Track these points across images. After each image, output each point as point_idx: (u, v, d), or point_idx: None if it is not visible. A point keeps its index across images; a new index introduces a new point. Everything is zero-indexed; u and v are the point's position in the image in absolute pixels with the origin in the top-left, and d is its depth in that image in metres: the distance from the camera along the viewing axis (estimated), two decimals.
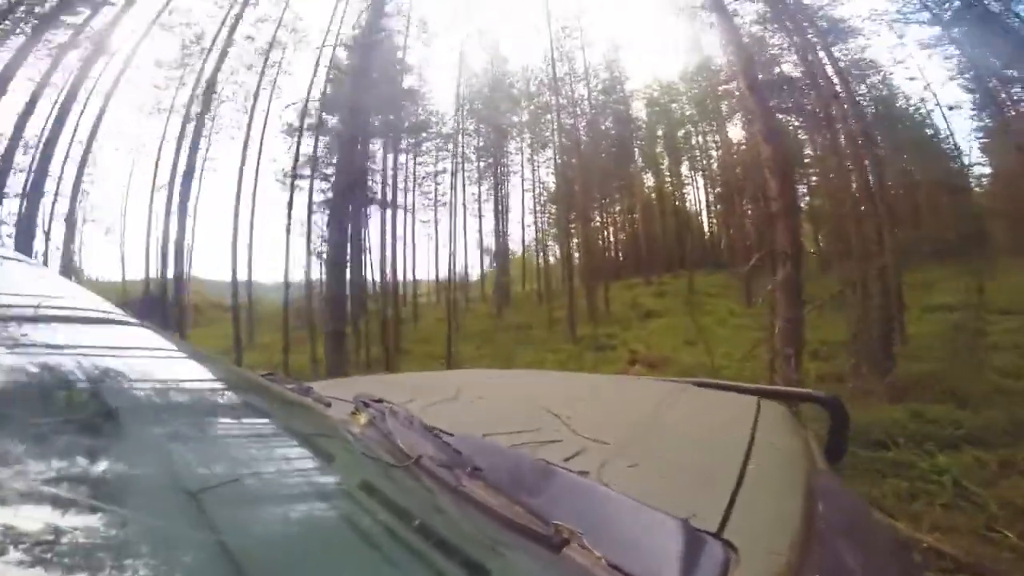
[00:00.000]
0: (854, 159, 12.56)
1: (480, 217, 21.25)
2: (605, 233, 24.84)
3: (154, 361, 0.74)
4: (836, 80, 13.30)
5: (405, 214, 20.07)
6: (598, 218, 23.52)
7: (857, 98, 14.93)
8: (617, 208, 24.03)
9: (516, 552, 0.55)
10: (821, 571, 0.56)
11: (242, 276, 14.73)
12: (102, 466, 0.41)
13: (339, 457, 0.69)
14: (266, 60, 16.53)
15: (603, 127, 21.75)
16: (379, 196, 19.28)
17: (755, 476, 0.76)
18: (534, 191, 20.56)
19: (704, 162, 22.75)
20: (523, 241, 21.56)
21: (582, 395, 1.42)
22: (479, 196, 21.27)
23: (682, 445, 0.95)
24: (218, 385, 0.76)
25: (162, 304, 14.57)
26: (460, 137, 20.84)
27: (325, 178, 18.11)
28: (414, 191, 21.13)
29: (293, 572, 0.39)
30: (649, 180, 24.16)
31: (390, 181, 19.50)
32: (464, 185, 20.94)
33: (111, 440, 0.46)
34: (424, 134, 20.92)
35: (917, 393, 5.46)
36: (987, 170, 16.14)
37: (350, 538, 0.47)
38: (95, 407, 0.50)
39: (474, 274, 22.12)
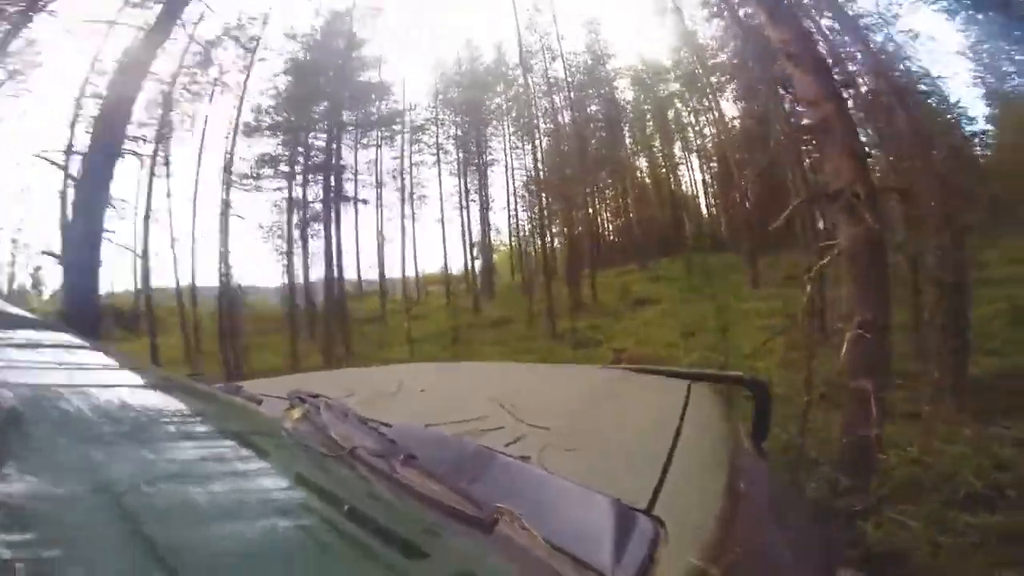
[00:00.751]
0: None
1: (462, 208, 20.68)
2: (596, 219, 24.06)
3: (71, 366, 0.72)
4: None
5: (381, 209, 19.67)
6: (588, 204, 22.72)
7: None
8: (609, 193, 23.49)
9: (451, 533, 0.57)
10: (743, 544, 0.61)
11: (210, 282, 14.20)
12: (15, 472, 0.41)
13: (271, 452, 0.67)
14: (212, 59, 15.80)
15: (589, 108, 21.33)
16: (350, 193, 18.76)
17: (683, 456, 0.81)
18: (513, 180, 20.21)
19: (698, 140, 22.00)
20: (509, 231, 20.90)
21: (526, 384, 1.45)
22: (460, 188, 20.79)
23: (618, 429, 1.02)
24: (140, 386, 0.75)
25: (118, 314, 14.16)
26: (436, 127, 20.37)
27: (288, 176, 17.51)
28: (403, 188, 20.66)
29: (228, 568, 0.40)
30: (642, 163, 23.44)
31: (366, 177, 19.29)
32: (439, 177, 20.57)
33: (22, 446, 0.45)
34: (396, 126, 20.42)
35: (1005, 401, 3.65)
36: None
37: (285, 530, 0.48)
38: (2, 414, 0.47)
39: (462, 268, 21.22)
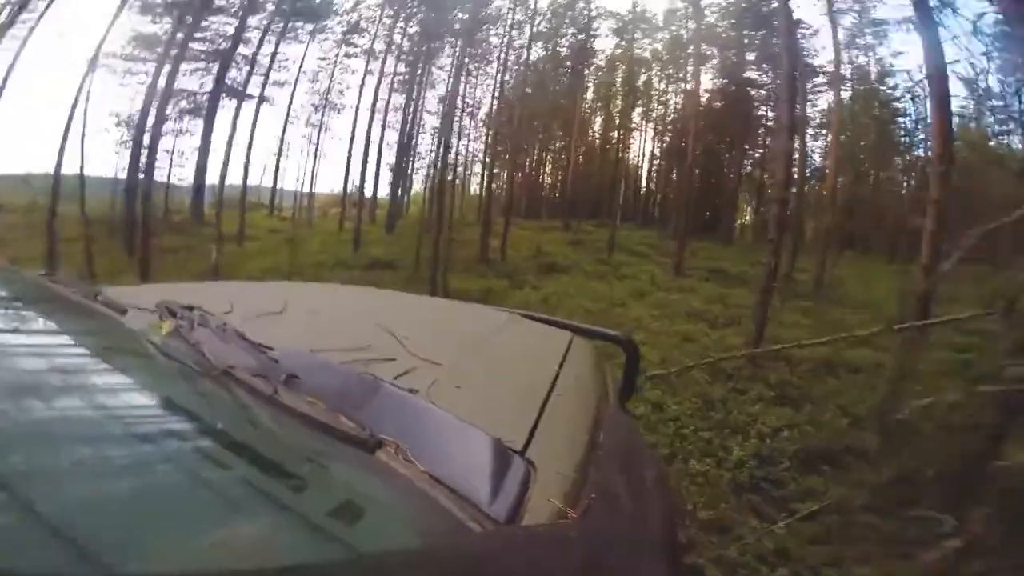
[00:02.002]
0: None
1: (385, 128, 18.48)
2: (537, 170, 23.36)
3: None
4: None
5: (290, 113, 17.61)
6: (532, 151, 22.01)
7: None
8: (557, 145, 22.37)
9: (331, 458, 0.56)
10: (596, 490, 0.64)
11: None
12: None
13: (135, 369, 0.64)
14: None
15: (559, 49, 19.54)
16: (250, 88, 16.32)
17: (557, 403, 0.87)
18: (456, 108, 17.32)
19: (660, 109, 21.19)
20: (432, 162, 18.66)
21: (419, 317, 1.47)
22: (385, 103, 18.20)
23: (504, 371, 1.05)
24: None
25: None
26: (376, 29, 17.77)
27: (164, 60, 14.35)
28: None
29: (88, 503, 0.36)
30: (596, 121, 22.56)
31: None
32: (362, 85, 17.79)
33: None
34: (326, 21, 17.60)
35: None
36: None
37: (150, 458, 0.44)
38: None
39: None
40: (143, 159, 12.76)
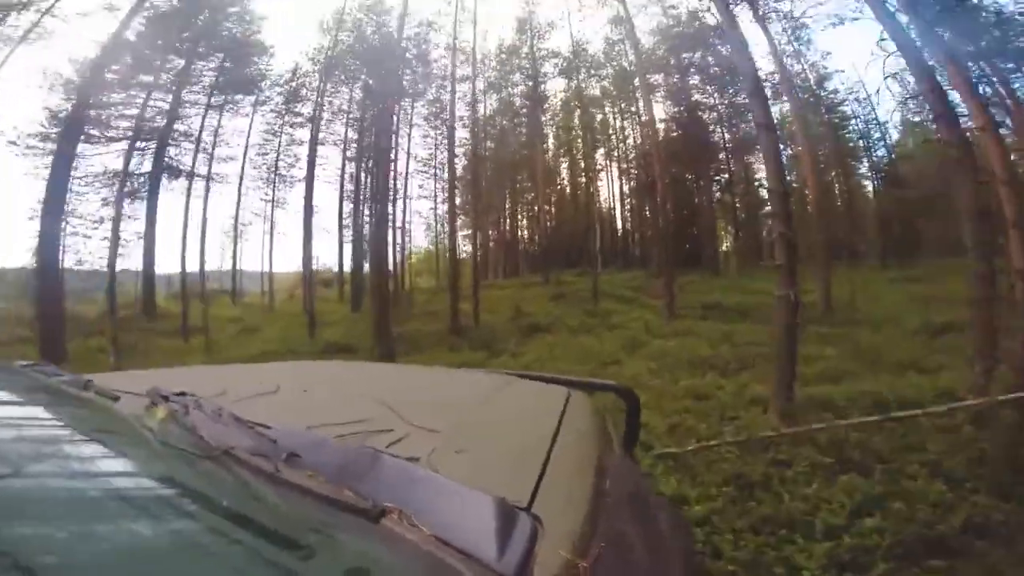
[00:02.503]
0: None
1: (342, 200, 18.16)
2: (511, 224, 22.91)
3: None
4: None
5: (241, 190, 17.20)
6: (503, 206, 21.82)
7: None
8: (528, 196, 21.95)
9: (337, 528, 0.58)
10: (606, 539, 0.66)
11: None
12: None
13: (133, 453, 0.64)
14: None
15: (512, 99, 19.74)
16: (186, 166, 15.82)
17: (559, 458, 0.87)
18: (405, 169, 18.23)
19: (621, 146, 21.20)
20: (401, 232, 18.47)
21: (414, 386, 1.52)
22: (343, 173, 18.25)
23: (503, 432, 1.07)
24: None
25: None
26: (319, 98, 17.38)
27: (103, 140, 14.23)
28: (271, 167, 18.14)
29: (93, 570, 0.37)
30: (562, 167, 22.43)
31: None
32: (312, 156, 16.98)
33: None
34: (269, 92, 17.57)
35: None
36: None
37: (154, 535, 0.45)
38: None
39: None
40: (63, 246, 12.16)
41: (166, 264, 15.58)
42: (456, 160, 17.35)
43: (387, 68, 14.57)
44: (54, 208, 11.61)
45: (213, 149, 16.31)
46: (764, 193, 16.10)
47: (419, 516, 0.60)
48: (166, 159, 15.17)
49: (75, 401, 0.86)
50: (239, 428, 0.79)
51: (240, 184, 17.18)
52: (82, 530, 0.41)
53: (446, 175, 18.50)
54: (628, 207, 21.63)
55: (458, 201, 19.26)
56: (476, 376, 1.71)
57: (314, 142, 16.45)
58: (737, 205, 20.10)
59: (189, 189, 15.42)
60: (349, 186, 17.71)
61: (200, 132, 15.67)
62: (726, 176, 19.24)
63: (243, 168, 16.93)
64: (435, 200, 19.32)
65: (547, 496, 0.72)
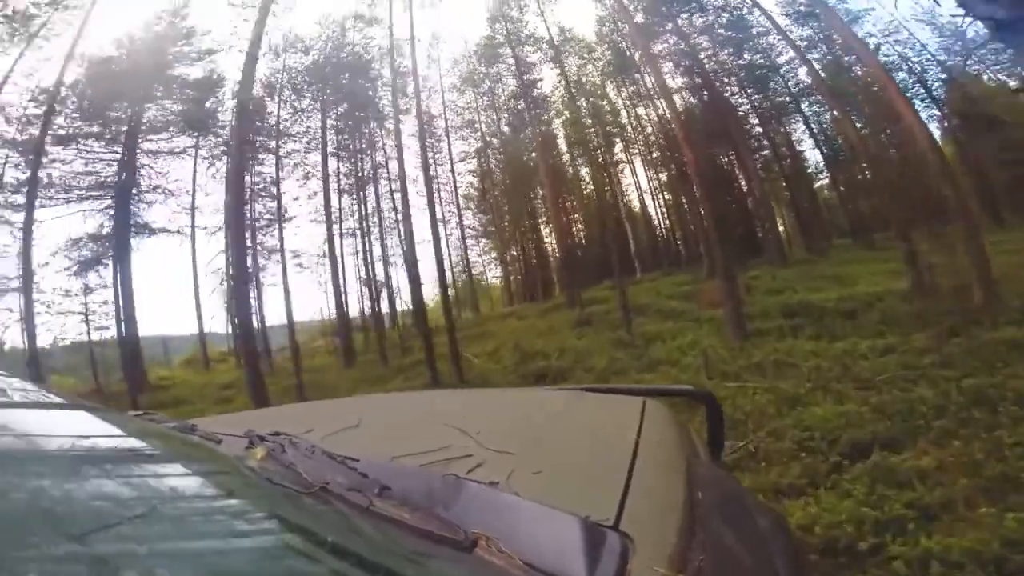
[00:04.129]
0: None
1: (341, 237, 15.64)
2: (522, 243, 19.55)
3: (19, 406, 0.75)
4: None
5: (228, 241, 14.72)
6: (520, 222, 18.75)
7: None
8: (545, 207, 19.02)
9: (433, 559, 0.61)
10: (705, 551, 0.64)
11: None
12: None
13: (241, 491, 0.66)
14: None
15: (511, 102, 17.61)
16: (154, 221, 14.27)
17: (643, 470, 0.87)
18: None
19: (639, 137, 18.22)
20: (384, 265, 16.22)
21: (485, 410, 1.55)
22: (326, 212, 15.35)
23: (580, 448, 1.08)
24: (94, 428, 0.77)
25: None
26: (276, 124, 15.43)
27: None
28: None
29: None
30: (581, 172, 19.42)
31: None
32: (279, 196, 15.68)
33: None
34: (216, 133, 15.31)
35: None
36: None
37: (266, 568, 0.48)
38: None
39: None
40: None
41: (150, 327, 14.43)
42: (458, 178, 16.30)
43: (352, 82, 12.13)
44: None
45: (193, 198, 15.22)
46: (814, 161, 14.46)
47: (506, 542, 0.60)
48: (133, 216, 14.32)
49: (185, 445, 0.92)
50: (332, 463, 0.83)
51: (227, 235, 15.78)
52: (207, 569, 0.43)
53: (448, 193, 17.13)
54: (662, 202, 19.86)
55: (467, 222, 18.05)
56: (545, 394, 1.78)
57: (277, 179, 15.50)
58: (784, 180, 16.61)
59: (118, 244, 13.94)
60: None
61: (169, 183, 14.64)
62: (767, 149, 17.05)
63: (192, 219, 15.60)
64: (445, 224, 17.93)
65: (635, 511, 0.71)
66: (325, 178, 15.60)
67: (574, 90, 18.12)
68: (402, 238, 14.86)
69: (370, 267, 17.17)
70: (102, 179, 13.67)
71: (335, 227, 15.59)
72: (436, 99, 17.47)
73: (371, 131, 16.43)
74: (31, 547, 0.37)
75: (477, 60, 18.07)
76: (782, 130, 16.95)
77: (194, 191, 15.65)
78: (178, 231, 14.90)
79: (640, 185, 19.62)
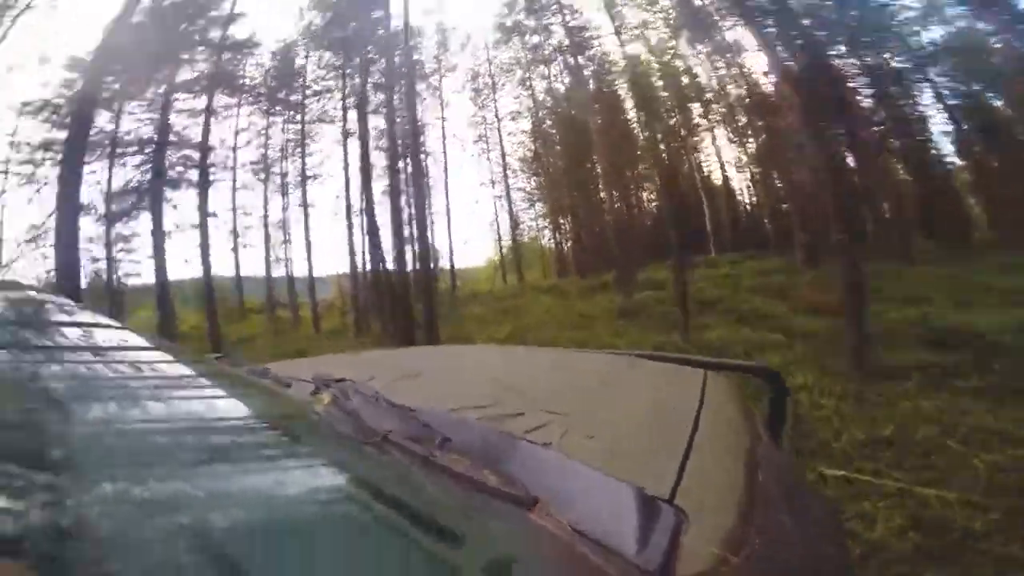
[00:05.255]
0: None
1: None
2: (572, 214, 16.92)
3: (105, 347, 0.72)
4: None
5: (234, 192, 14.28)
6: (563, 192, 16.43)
7: None
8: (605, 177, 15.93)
9: (488, 515, 0.60)
10: (760, 533, 0.62)
11: None
12: (60, 454, 0.41)
13: (307, 437, 0.68)
14: None
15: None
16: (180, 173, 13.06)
17: (702, 445, 0.84)
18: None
19: (722, 101, 14.67)
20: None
21: (541, 369, 1.56)
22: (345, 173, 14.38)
23: (635, 416, 1.06)
24: (171, 370, 0.76)
25: None
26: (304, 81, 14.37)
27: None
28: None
29: (270, 550, 0.41)
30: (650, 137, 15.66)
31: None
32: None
33: (66, 428, 0.46)
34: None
35: None
36: None
37: (326, 516, 0.49)
38: (44, 397, 0.49)
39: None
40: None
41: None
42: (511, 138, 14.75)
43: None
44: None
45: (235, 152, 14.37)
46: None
47: (557, 505, 0.59)
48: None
49: (257, 389, 0.91)
50: (394, 412, 0.83)
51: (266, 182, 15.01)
52: (263, 512, 0.44)
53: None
54: (749, 178, 15.91)
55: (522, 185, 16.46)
56: (600, 357, 1.71)
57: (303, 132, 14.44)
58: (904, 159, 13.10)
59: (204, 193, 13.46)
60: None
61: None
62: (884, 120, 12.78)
63: (235, 169, 14.74)
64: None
65: (691, 486, 0.70)
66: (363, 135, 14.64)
67: (627, 42, 15.36)
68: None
69: (400, 225, 16.09)
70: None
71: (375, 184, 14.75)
72: (480, 56, 15.83)
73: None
74: (97, 484, 0.37)
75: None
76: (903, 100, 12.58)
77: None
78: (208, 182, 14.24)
79: (722, 155, 16.13)
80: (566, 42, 15.20)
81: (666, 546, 0.54)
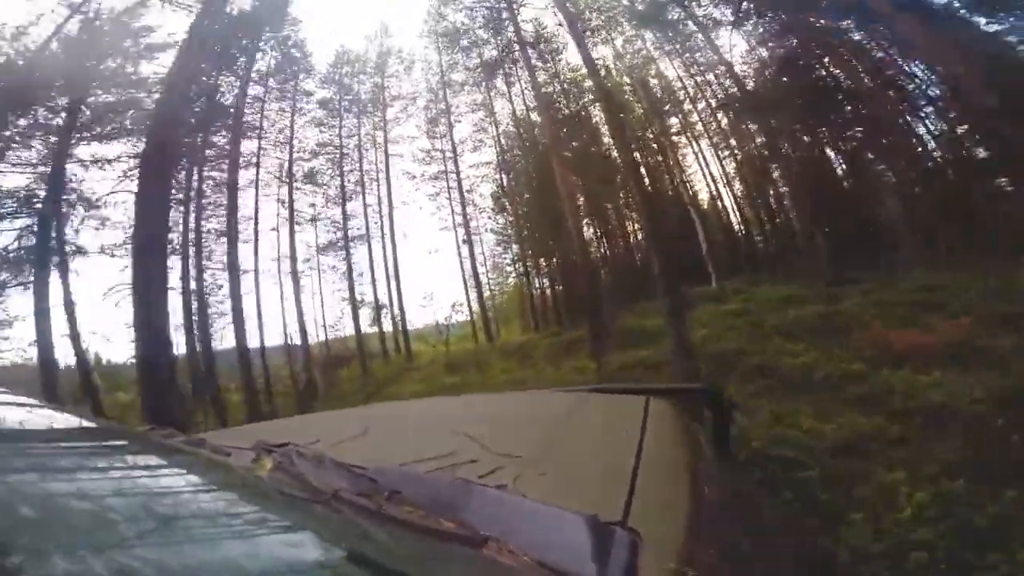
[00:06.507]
0: None
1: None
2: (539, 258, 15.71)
3: (38, 426, 0.78)
4: None
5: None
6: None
7: None
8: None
9: (440, 558, 0.63)
10: (714, 546, 0.64)
11: None
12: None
13: (252, 502, 0.69)
14: None
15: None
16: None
17: (648, 468, 0.88)
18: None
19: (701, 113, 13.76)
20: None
21: (492, 414, 1.58)
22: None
23: (585, 449, 1.11)
24: (111, 443, 0.81)
25: None
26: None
27: None
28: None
29: None
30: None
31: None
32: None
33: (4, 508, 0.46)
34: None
35: None
36: None
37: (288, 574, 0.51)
38: None
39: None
40: None
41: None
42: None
43: None
44: None
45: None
46: None
47: (516, 542, 0.61)
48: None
49: (196, 459, 0.92)
50: (341, 471, 0.84)
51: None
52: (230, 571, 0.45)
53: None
54: (738, 195, 14.51)
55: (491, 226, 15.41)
56: (551, 396, 1.77)
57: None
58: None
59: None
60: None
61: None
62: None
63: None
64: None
65: (642, 508, 0.73)
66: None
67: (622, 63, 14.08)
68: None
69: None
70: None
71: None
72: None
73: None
74: (45, 562, 0.37)
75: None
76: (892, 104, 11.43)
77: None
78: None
79: (705, 171, 14.87)
80: (518, 47, 13.90)
81: (624, 567, 0.55)
